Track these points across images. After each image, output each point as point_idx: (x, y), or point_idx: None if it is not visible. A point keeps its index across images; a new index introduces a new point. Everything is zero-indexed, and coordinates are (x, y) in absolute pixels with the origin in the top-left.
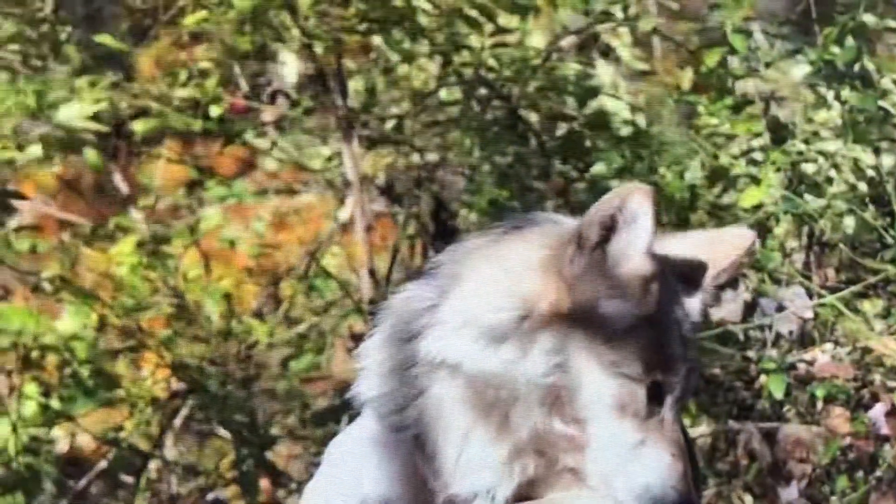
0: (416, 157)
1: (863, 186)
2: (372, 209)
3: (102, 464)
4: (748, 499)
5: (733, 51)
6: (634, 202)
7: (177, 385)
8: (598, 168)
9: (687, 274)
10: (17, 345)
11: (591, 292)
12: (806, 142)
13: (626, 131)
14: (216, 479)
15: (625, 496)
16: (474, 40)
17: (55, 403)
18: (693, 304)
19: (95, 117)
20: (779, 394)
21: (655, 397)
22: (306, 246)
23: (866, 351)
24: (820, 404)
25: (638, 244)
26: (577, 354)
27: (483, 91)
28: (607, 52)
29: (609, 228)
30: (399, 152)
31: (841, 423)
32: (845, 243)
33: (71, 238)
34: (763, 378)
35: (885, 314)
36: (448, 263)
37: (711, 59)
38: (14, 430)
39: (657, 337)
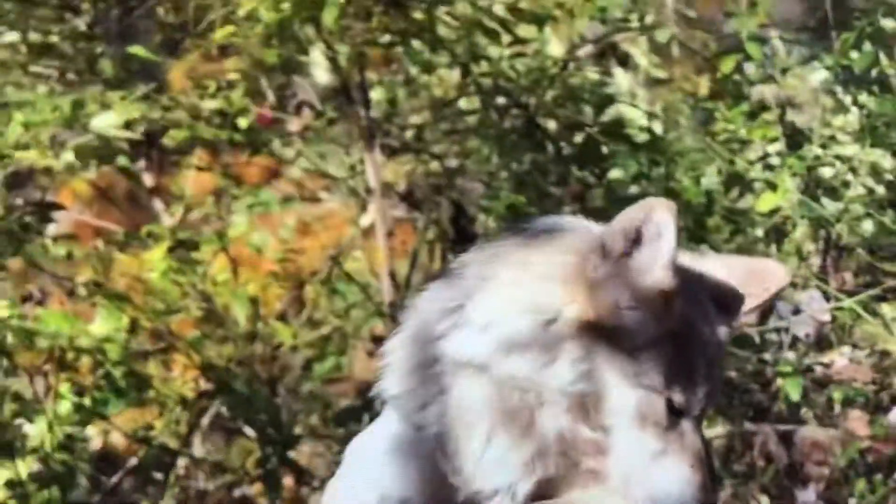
0: (435, 165)
1: (881, 190)
2: (393, 215)
3: (133, 461)
4: (764, 501)
5: (749, 57)
6: (659, 216)
7: (205, 385)
8: (615, 174)
9: (722, 300)
10: (53, 347)
11: (613, 302)
12: (823, 146)
13: (643, 138)
14: (242, 477)
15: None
16: (493, 51)
17: (89, 403)
18: (722, 330)
19: (128, 127)
20: (795, 396)
21: (675, 410)
22: (329, 251)
23: (885, 354)
24: (838, 407)
25: (661, 258)
26: (602, 363)
27: (501, 100)
28: (625, 60)
29: (633, 240)
30: (419, 160)
31: (859, 426)
32: (863, 247)
33: (105, 244)
34: (780, 381)
35: None
36: (474, 264)
37: (727, 65)
38: (50, 427)
39: (680, 353)
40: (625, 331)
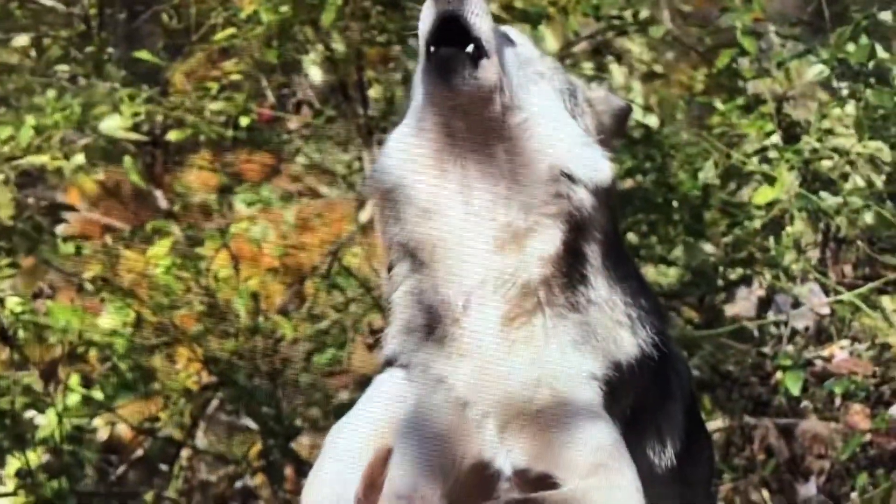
0: None
1: (880, 182)
2: None
3: (139, 452)
4: (765, 494)
5: (744, 52)
6: None
7: (208, 378)
8: None
9: None
10: (63, 340)
11: None
12: (820, 139)
13: (638, 133)
14: (245, 468)
15: None
16: None
17: (97, 395)
18: None
19: (135, 128)
20: (795, 390)
21: None
22: (329, 246)
23: (885, 347)
24: (838, 401)
25: None
26: None
27: None
28: (620, 56)
29: None
30: None
31: (861, 419)
32: (863, 239)
33: (111, 241)
34: (779, 374)
35: None
36: None
37: (722, 60)
38: (59, 419)
39: None
40: None
